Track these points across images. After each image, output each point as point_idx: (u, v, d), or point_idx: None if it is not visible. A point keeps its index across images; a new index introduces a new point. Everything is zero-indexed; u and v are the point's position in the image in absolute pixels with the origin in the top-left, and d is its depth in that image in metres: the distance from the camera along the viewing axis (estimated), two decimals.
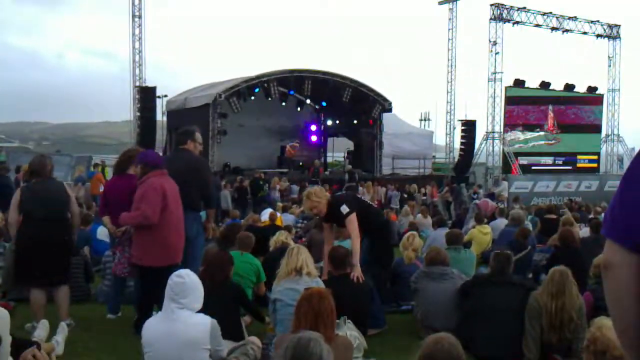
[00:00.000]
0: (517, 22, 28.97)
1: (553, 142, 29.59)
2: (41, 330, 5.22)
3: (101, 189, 14.98)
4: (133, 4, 24.19)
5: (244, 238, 7.00)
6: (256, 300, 6.47)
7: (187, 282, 3.93)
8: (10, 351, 3.81)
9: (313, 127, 28.60)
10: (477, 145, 28.70)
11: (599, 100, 31.19)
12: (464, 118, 28.64)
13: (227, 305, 5.09)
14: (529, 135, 29.10)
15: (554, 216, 11.96)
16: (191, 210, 6.10)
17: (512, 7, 28.82)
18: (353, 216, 6.25)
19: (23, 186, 6.28)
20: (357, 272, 5.87)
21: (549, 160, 29.52)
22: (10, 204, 5.86)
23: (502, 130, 28.72)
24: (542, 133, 29.39)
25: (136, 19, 24.27)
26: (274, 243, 7.86)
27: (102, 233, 8.85)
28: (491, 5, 28.52)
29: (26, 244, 5.72)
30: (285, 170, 24.46)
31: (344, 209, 6.26)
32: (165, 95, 27.25)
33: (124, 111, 24.57)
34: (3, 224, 8.06)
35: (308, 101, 27.19)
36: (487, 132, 29.30)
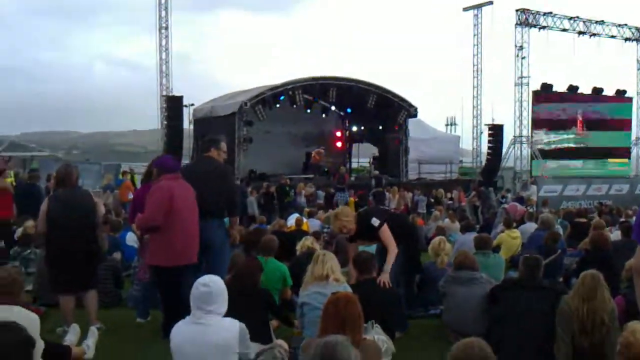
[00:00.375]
0: (543, 27, 28.70)
1: (582, 145, 29.18)
2: (72, 334, 5.30)
3: (130, 196, 15.15)
4: (160, 16, 24.54)
5: (267, 242, 6.97)
6: (282, 304, 6.46)
7: (213, 291, 3.92)
8: (41, 354, 3.85)
9: (338, 134, 28.58)
10: (504, 150, 28.42)
11: (628, 100, 30.66)
12: (490, 122, 28.43)
13: (256, 311, 5.09)
14: (557, 137, 28.71)
15: (584, 220, 11.76)
16: (215, 217, 6.15)
17: (537, 12, 28.55)
18: (385, 227, 6.26)
19: (50, 195, 6.40)
20: (384, 278, 5.84)
21: (578, 163, 29.09)
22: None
23: (529, 134, 28.39)
24: (570, 135, 28.98)
25: (163, 31, 24.61)
26: (300, 248, 7.86)
27: (131, 239, 8.97)
28: (517, 10, 28.29)
29: (54, 252, 5.82)
30: (310, 176, 24.47)
31: (375, 221, 6.25)
32: (192, 104, 27.53)
33: (152, 120, 24.95)
34: (34, 231, 8.21)
35: (333, 108, 27.21)
36: (514, 136, 29.02)
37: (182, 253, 5.62)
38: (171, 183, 5.65)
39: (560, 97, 28.52)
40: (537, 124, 28.11)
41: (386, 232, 6.25)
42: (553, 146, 28.65)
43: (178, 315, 5.00)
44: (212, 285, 3.91)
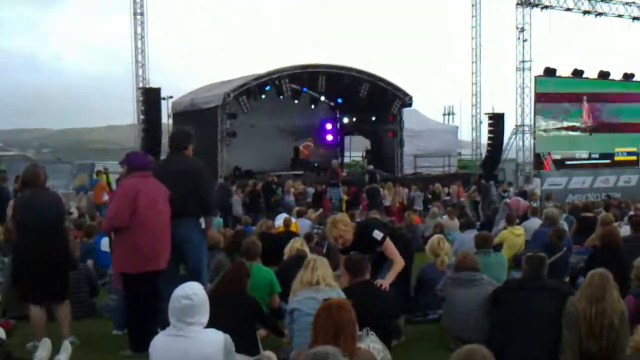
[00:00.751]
0: (546, 7, 28.68)
1: (588, 134, 29.26)
2: (43, 350, 5.26)
3: (105, 198, 15.09)
4: (135, 1, 24.32)
5: (250, 245, 6.90)
6: (271, 313, 6.43)
7: (196, 304, 3.88)
8: None
9: (328, 126, 28.53)
10: (505, 140, 28.46)
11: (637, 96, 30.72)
12: (491, 111, 28.43)
13: (243, 319, 5.09)
14: (562, 124, 28.79)
15: (590, 214, 11.82)
16: (191, 218, 6.16)
17: None
18: (389, 240, 6.25)
19: (16, 197, 6.40)
20: (382, 282, 5.83)
21: (584, 153, 29.21)
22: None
23: (532, 123, 28.44)
24: (576, 124, 29.07)
25: (138, 17, 24.39)
26: (288, 251, 7.82)
27: (106, 245, 8.86)
28: None
29: (20, 257, 5.79)
30: (300, 172, 24.44)
31: (377, 234, 6.22)
32: (171, 97, 27.32)
33: (128, 115, 24.69)
34: (1, 238, 8.16)
35: (322, 98, 27.15)
36: (516, 125, 29.04)
37: (148, 258, 5.59)
38: (137, 181, 5.64)
39: (565, 90, 28.57)
40: (539, 100, 28.07)
41: (390, 245, 6.25)
42: (562, 134, 28.72)
43: (148, 327, 4.98)
44: (194, 298, 3.87)
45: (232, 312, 4.94)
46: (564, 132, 28.66)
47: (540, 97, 27.90)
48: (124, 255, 5.60)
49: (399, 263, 6.18)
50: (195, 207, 6.17)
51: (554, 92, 28.19)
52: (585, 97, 28.77)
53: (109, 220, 5.74)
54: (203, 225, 6.47)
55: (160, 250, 5.70)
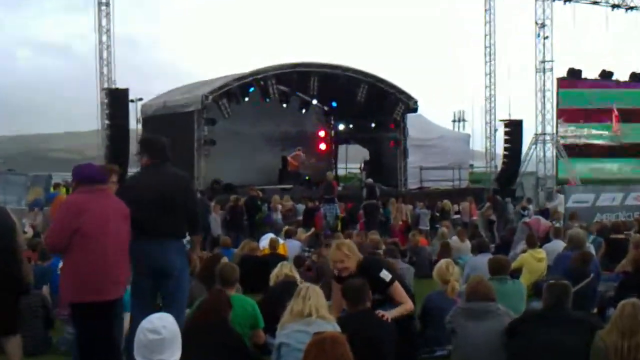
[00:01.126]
0: (569, 0, 28.95)
1: (618, 143, 29.43)
2: None
3: None
4: None
5: (226, 272, 6.74)
6: (255, 349, 6.40)
7: (166, 338, 3.83)
8: None
9: (321, 133, 28.60)
10: (524, 151, 28.61)
11: None
12: (507, 117, 28.60)
13: (222, 354, 5.09)
14: (587, 132, 28.98)
15: (621, 236, 11.85)
16: (173, 239, 6.07)
17: None
18: (397, 283, 6.30)
19: None
20: (384, 313, 5.83)
21: (613, 166, 29.34)
22: None
23: (554, 131, 28.58)
24: (604, 132, 29.24)
25: (103, 8, 24.35)
26: (275, 277, 7.81)
27: None
28: None
29: None
30: (288, 186, 24.42)
31: (386, 275, 6.24)
32: (140, 99, 27.37)
33: (90, 119, 24.62)
34: None
35: (315, 102, 27.21)
36: (536, 134, 29.21)
37: (95, 286, 5.34)
38: (84, 197, 5.46)
39: (591, 85, 28.78)
40: (562, 116, 28.32)
41: (399, 288, 6.30)
42: (582, 140, 28.88)
43: None
44: (163, 332, 3.81)
45: (211, 345, 4.94)
46: (587, 140, 28.90)
47: (562, 114, 28.12)
48: (69, 283, 5.38)
49: (408, 305, 6.24)
50: (180, 226, 6.11)
51: (578, 108, 28.43)
52: (615, 104, 28.96)
53: (46, 243, 5.70)
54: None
55: (112, 278, 5.44)
